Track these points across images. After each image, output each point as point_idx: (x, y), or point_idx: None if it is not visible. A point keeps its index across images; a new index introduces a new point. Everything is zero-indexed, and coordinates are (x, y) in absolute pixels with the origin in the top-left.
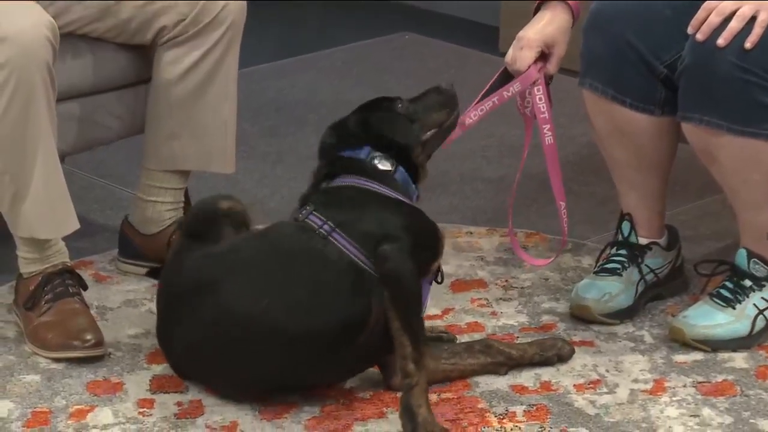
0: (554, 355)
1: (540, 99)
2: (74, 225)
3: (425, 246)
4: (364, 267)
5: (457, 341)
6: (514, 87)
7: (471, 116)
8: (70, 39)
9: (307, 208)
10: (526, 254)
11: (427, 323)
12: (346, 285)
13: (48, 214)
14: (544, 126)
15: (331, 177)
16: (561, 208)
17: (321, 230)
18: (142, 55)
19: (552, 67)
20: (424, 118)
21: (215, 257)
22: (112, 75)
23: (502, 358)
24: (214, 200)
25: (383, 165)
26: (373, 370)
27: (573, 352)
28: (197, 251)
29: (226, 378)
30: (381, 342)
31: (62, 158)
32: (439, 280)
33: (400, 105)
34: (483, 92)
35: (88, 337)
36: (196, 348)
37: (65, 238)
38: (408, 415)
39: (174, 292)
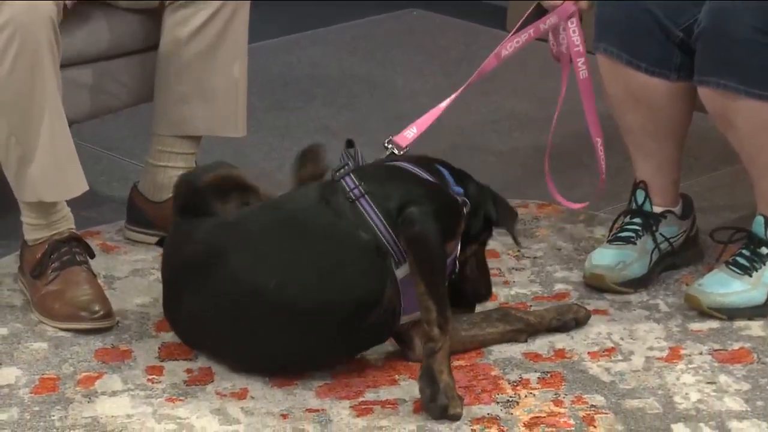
0: (572, 319)
1: (574, 32)
2: (83, 187)
3: (446, 217)
4: (383, 241)
5: (475, 308)
6: (550, 19)
7: (507, 47)
8: (77, 3)
9: (347, 167)
10: (562, 197)
11: None
12: (363, 260)
13: (55, 176)
14: (578, 59)
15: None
16: (597, 145)
17: (351, 193)
18: (151, 20)
19: (584, 2)
20: (476, 275)
21: (229, 227)
22: (120, 40)
23: (521, 325)
24: (194, 174)
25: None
26: None
27: (590, 316)
28: (204, 222)
29: (234, 354)
30: (392, 319)
31: (69, 126)
32: (453, 276)
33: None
34: (517, 26)
35: (96, 308)
36: (206, 322)
37: (71, 209)
38: (428, 379)
39: (183, 264)
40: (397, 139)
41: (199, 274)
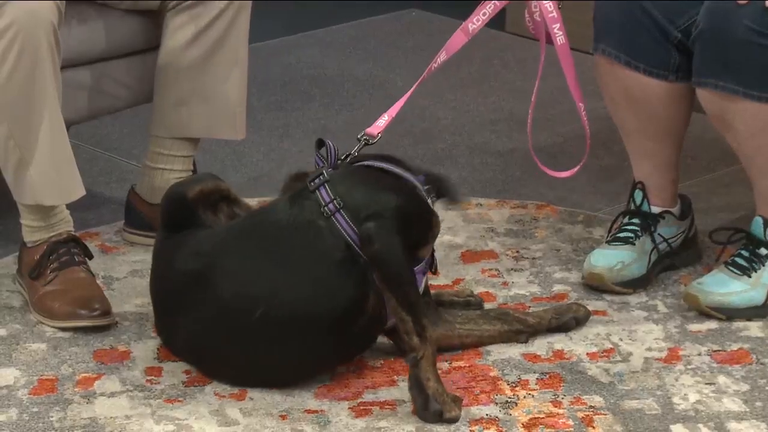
0: (571, 318)
1: None
2: (80, 191)
3: (416, 227)
4: (358, 251)
5: (484, 305)
6: None
7: (473, 21)
8: (76, 4)
9: (321, 177)
10: (547, 167)
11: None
12: (344, 276)
13: (53, 180)
14: (553, 25)
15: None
16: (581, 110)
17: (326, 208)
18: (150, 21)
19: None
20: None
21: (206, 254)
22: (119, 41)
23: (520, 326)
24: (183, 187)
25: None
26: (383, 339)
27: (590, 314)
28: (191, 239)
29: (229, 373)
30: (379, 324)
31: (68, 127)
32: (434, 270)
33: None
34: None
35: (96, 306)
36: (200, 345)
37: (70, 210)
38: (418, 388)
39: (172, 287)
40: (370, 130)
41: (189, 298)
